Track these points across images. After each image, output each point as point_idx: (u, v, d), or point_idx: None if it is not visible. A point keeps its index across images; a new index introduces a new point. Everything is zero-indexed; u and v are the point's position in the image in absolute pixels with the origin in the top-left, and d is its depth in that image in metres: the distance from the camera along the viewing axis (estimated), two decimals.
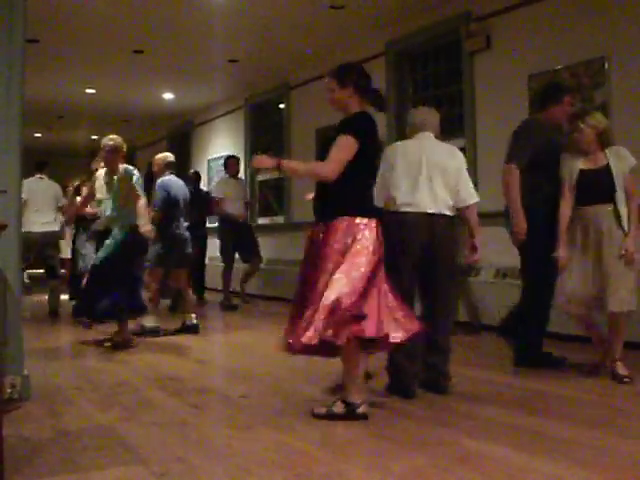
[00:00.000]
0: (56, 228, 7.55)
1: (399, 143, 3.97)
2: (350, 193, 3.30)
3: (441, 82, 7.33)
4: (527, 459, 2.64)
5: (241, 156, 10.83)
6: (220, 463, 2.68)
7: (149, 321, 6.09)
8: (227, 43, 8.27)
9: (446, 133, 7.13)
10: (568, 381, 4.11)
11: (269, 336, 5.64)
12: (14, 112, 3.61)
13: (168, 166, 6.41)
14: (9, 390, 3.49)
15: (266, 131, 10.58)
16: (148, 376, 4.39)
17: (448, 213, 3.75)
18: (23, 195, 7.40)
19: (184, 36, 7.91)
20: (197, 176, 9.42)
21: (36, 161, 7.85)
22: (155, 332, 6.04)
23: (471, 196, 3.82)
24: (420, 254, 3.70)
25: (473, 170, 6.34)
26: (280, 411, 3.46)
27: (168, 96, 11.30)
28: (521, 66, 6.11)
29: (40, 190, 7.47)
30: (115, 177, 5.53)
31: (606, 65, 5.41)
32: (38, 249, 7.45)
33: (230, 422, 3.34)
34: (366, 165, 3.35)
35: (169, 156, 6.52)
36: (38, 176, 7.63)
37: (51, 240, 7.48)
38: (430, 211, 3.68)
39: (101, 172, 5.66)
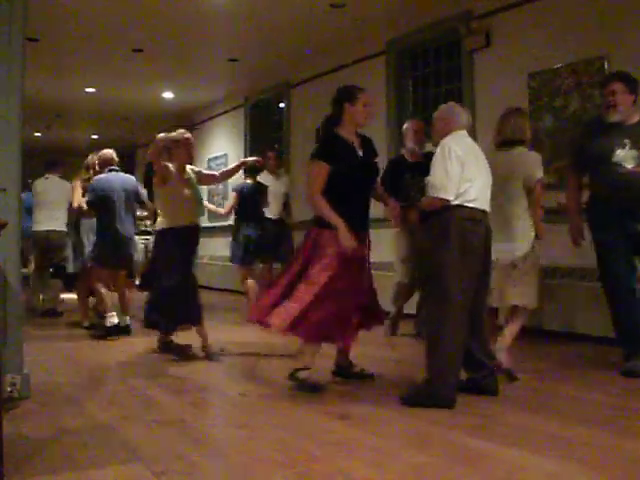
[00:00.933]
0: (62, 228, 7.41)
1: (458, 136, 3.77)
2: None
3: (441, 80, 7.32)
4: (527, 457, 2.64)
5: (241, 155, 10.84)
6: (220, 461, 2.68)
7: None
8: (227, 42, 8.27)
9: None
10: (569, 379, 4.11)
11: (269, 333, 5.63)
12: (14, 111, 3.60)
13: (104, 164, 6.29)
14: (9, 389, 3.49)
15: (266, 130, 10.57)
16: (148, 374, 4.39)
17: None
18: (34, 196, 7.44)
19: (184, 35, 7.91)
20: None
21: (45, 161, 7.91)
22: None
23: None
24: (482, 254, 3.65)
25: None
26: (280, 409, 3.46)
27: (168, 95, 11.30)
28: (521, 64, 6.11)
29: (47, 190, 7.50)
30: (192, 173, 5.28)
31: (606, 64, 5.40)
32: (45, 248, 7.50)
33: (230, 420, 3.34)
34: None
35: (103, 154, 6.36)
36: (45, 176, 7.67)
37: (56, 239, 7.41)
38: (486, 209, 3.68)
39: (170, 166, 5.11)
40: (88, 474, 2.50)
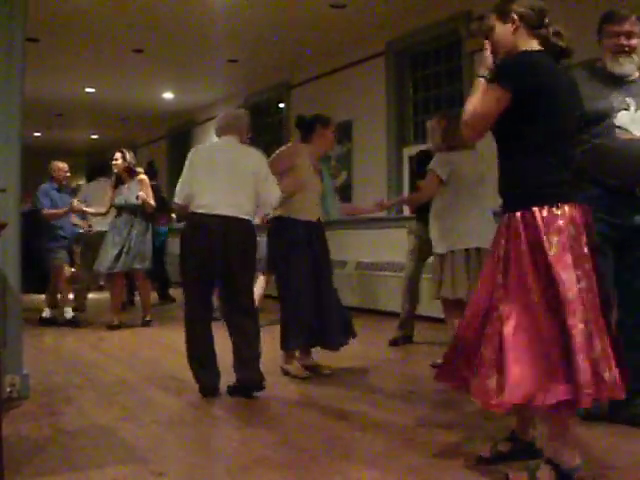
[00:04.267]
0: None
1: (203, 145, 4.08)
2: None
3: (441, 82, 7.33)
4: (527, 461, 2.63)
5: None
6: (219, 462, 2.67)
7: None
8: (227, 43, 8.27)
9: None
10: None
11: (266, 335, 5.63)
12: (14, 111, 3.60)
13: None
14: (8, 389, 3.49)
15: (266, 131, 10.57)
16: (147, 375, 4.38)
17: (244, 217, 3.76)
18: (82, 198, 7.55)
19: (184, 35, 7.91)
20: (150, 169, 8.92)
21: (98, 165, 8.56)
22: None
23: (268, 205, 3.91)
24: (214, 255, 3.70)
25: None
26: (280, 410, 3.46)
27: (168, 95, 11.30)
28: None
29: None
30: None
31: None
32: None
33: (229, 421, 3.34)
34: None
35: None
36: (98, 180, 7.91)
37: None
38: (224, 213, 3.69)
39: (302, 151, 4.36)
40: (87, 475, 2.50)
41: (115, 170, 6.69)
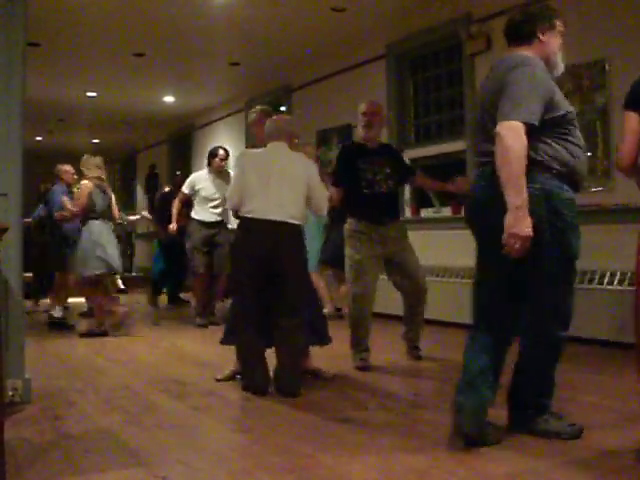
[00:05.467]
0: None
1: (252, 151, 4.23)
2: None
3: (442, 84, 7.33)
4: (527, 461, 2.63)
5: None
6: (222, 466, 2.67)
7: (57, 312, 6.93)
8: (228, 46, 8.29)
9: (447, 135, 7.18)
10: (567, 383, 4.10)
11: None
12: (15, 115, 3.61)
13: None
14: (10, 393, 3.49)
15: None
16: (149, 379, 4.39)
17: (293, 222, 3.85)
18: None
19: (185, 39, 7.92)
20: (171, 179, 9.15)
21: None
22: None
23: (319, 209, 4.03)
24: (265, 259, 3.81)
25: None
26: (282, 414, 3.45)
27: (169, 99, 11.32)
28: None
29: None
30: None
31: (607, 67, 5.41)
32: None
33: (232, 425, 3.34)
34: None
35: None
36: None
37: None
38: (273, 218, 3.80)
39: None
40: (90, 479, 2.50)
41: None
